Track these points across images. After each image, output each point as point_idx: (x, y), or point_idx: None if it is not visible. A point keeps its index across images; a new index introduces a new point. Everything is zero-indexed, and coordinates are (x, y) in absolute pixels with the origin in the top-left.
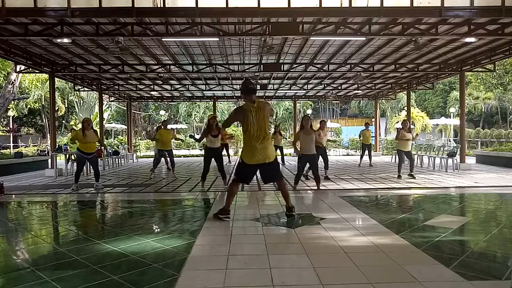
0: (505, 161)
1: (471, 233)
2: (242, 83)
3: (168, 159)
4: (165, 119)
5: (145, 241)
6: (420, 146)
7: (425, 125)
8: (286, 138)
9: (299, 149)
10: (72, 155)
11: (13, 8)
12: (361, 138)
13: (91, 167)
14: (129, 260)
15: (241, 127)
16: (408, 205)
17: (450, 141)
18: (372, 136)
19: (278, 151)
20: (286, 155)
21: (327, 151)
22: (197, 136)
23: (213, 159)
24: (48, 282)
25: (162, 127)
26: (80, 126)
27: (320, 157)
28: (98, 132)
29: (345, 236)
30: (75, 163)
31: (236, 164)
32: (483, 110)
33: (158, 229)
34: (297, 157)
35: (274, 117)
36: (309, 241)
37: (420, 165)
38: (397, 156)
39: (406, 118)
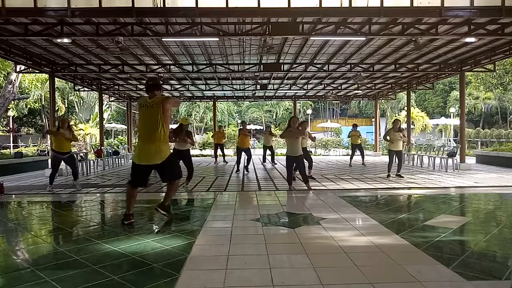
0: (505, 161)
1: (471, 233)
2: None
3: None
4: None
5: (145, 241)
6: (420, 146)
7: (425, 125)
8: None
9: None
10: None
11: (13, 8)
12: (350, 139)
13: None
14: (129, 260)
15: (237, 128)
16: (408, 205)
17: (450, 141)
18: (360, 136)
19: (268, 151)
20: (277, 155)
21: (309, 151)
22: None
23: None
24: (48, 282)
25: None
26: (80, 126)
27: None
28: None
29: (345, 236)
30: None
31: None
32: (483, 110)
33: (158, 229)
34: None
35: (274, 117)
36: (309, 241)
37: (420, 165)
38: (395, 156)
39: (397, 118)
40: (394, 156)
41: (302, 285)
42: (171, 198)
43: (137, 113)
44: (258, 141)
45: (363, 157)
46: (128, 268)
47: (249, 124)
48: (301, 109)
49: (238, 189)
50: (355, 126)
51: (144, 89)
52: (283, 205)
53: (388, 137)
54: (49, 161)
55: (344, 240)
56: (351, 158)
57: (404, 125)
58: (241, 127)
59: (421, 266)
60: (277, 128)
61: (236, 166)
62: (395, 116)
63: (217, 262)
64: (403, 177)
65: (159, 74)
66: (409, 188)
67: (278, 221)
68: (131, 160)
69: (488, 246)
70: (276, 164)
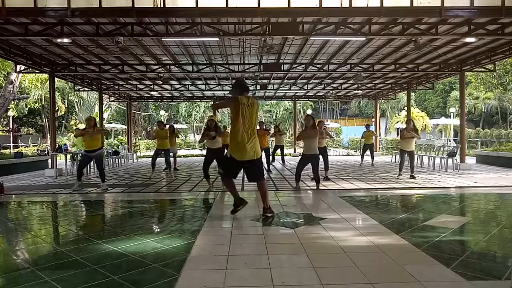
0: (505, 161)
1: (471, 233)
2: (237, 81)
3: (165, 158)
4: (160, 119)
5: (145, 241)
6: (420, 146)
7: (425, 125)
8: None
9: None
10: (78, 155)
11: (13, 8)
12: (363, 139)
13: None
14: (129, 260)
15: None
16: (408, 205)
17: (450, 141)
18: (376, 136)
19: (279, 151)
20: (286, 155)
21: (327, 151)
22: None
23: (214, 159)
24: (48, 282)
25: (157, 127)
26: (80, 126)
27: (321, 157)
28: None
29: (345, 236)
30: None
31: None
32: (483, 110)
33: (158, 229)
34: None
35: (274, 117)
36: (309, 241)
37: (420, 165)
38: (397, 156)
39: (410, 118)
40: (406, 156)
41: (302, 285)
42: (268, 197)
43: (137, 113)
44: None
45: (372, 158)
46: (128, 268)
47: None
48: (301, 109)
49: (238, 189)
50: (368, 126)
51: (235, 87)
52: (283, 205)
53: (404, 137)
54: (49, 161)
55: (344, 240)
56: (362, 158)
57: (404, 125)
58: (258, 128)
59: (421, 266)
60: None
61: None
62: (395, 116)
63: (217, 262)
64: (415, 177)
65: (159, 74)
66: (409, 188)
67: (278, 221)
68: (228, 155)
69: (488, 246)
70: (285, 164)
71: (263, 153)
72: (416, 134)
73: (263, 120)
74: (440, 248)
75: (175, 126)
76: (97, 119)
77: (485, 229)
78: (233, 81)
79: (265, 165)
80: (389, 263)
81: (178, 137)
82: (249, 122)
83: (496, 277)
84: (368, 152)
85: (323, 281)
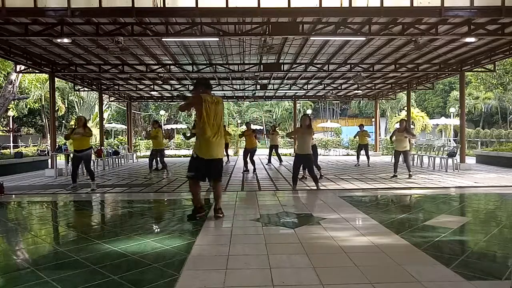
0: (505, 161)
1: (471, 233)
2: (198, 79)
3: (159, 159)
4: (155, 119)
5: (145, 241)
6: (420, 146)
7: (425, 125)
8: (282, 137)
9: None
10: (70, 155)
11: (13, 8)
12: (357, 138)
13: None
14: (129, 260)
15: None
16: (408, 205)
17: (450, 141)
18: (369, 136)
19: (274, 151)
20: (285, 155)
21: (317, 149)
22: (188, 134)
23: None
24: (48, 282)
25: (153, 127)
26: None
27: None
28: (92, 131)
29: (345, 236)
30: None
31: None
32: (483, 110)
33: (158, 229)
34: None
35: (274, 117)
36: (309, 241)
37: (420, 165)
38: (401, 156)
39: (404, 118)
40: (400, 156)
41: (302, 285)
42: (221, 199)
43: (137, 113)
44: (258, 141)
45: (368, 158)
46: (128, 268)
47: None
48: (301, 109)
49: (238, 189)
50: (361, 126)
51: (198, 85)
52: (283, 205)
53: (393, 138)
54: (49, 161)
55: (344, 240)
56: (357, 158)
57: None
58: (246, 129)
59: (421, 266)
60: (278, 128)
61: (244, 167)
62: (395, 116)
63: (217, 262)
64: (411, 176)
65: (159, 74)
66: (409, 188)
67: (278, 221)
68: (194, 155)
69: (488, 246)
70: (282, 162)
71: (249, 153)
72: (408, 134)
73: (262, 120)
74: (440, 248)
75: (174, 126)
76: (97, 119)
77: (485, 229)
78: (233, 81)
79: (249, 165)
80: (389, 263)
81: (161, 138)
82: (214, 119)
83: (496, 277)
84: (363, 152)
85: (323, 281)
